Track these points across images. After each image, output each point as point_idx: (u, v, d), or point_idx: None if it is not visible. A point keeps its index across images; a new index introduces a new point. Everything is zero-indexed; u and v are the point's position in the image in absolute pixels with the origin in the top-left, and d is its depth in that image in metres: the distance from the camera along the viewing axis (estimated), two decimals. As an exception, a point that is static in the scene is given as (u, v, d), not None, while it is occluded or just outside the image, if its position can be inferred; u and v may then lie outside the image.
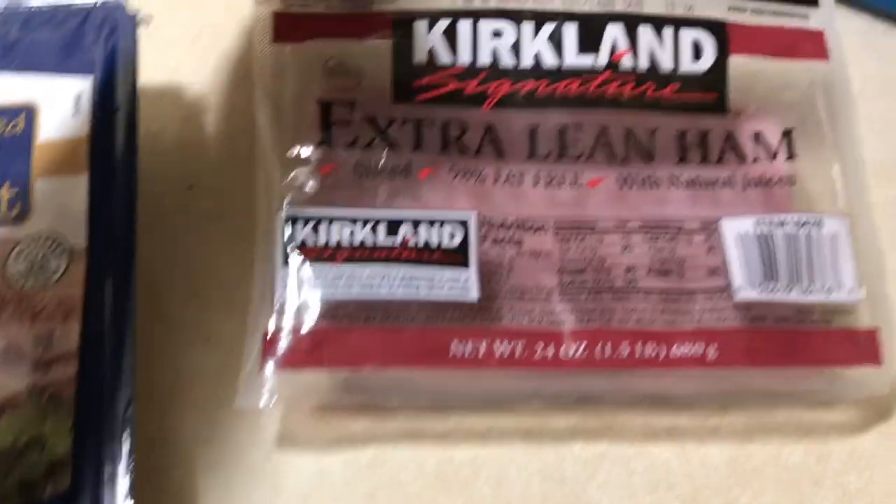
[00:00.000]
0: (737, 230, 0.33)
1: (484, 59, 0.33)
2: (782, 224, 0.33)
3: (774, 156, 0.35)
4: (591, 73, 0.34)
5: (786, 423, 0.33)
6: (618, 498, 0.32)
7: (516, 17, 0.34)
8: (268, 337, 0.30)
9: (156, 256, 0.35)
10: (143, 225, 0.35)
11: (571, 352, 0.31)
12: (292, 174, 0.32)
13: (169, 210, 0.36)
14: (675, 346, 0.31)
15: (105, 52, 0.33)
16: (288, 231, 0.31)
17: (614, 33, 0.34)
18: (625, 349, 0.31)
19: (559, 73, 0.34)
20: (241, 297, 0.33)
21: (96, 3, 0.34)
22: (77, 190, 0.30)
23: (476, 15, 0.34)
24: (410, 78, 0.33)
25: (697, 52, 0.34)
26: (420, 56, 0.33)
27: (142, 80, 0.38)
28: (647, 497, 0.32)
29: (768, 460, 0.33)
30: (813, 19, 0.36)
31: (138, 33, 0.34)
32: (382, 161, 0.33)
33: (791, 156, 0.34)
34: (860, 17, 0.44)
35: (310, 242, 0.31)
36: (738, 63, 0.35)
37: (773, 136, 0.35)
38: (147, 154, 0.36)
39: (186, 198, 0.36)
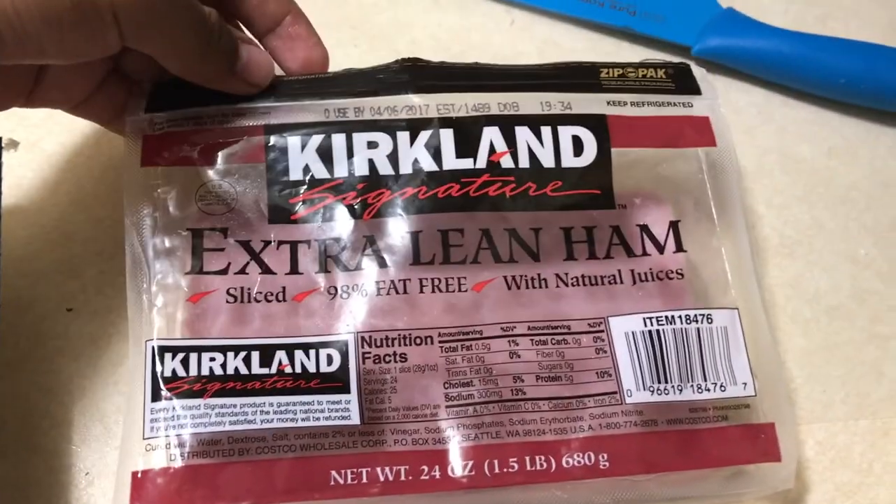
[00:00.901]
0: (625, 329, 0.32)
1: (361, 170, 0.33)
2: (671, 320, 0.32)
3: (663, 248, 0.34)
4: (471, 175, 0.33)
5: None
6: None
7: (390, 127, 0.33)
8: (137, 476, 0.29)
9: (33, 386, 0.34)
10: (20, 352, 0.34)
11: (459, 471, 0.30)
12: (161, 302, 0.31)
13: (48, 335, 0.35)
14: (565, 458, 0.30)
15: (-33, 182, 0.32)
16: (157, 364, 0.30)
17: (491, 136, 0.33)
18: (514, 464, 0.30)
19: (438, 178, 0.33)
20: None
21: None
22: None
23: (349, 128, 0.33)
24: (286, 197, 0.32)
25: (579, 148, 0.34)
26: (295, 174, 0.32)
27: (15, 200, 0.37)
28: None
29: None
30: (697, 107, 0.36)
31: (3, 160, 0.33)
32: (256, 286, 0.32)
33: (679, 247, 0.34)
34: (757, 89, 0.44)
35: (179, 375, 0.30)
36: (622, 156, 0.34)
37: (660, 228, 0.34)
38: (23, 278, 0.36)
39: (66, 322, 0.35)
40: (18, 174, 0.37)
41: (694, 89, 0.36)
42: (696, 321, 0.32)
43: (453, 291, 0.32)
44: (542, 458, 0.30)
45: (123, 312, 0.33)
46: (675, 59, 0.37)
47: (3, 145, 0.33)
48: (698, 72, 0.36)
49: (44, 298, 0.35)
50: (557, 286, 0.33)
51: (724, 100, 0.43)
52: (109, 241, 0.36)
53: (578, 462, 0.30)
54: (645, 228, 0.34)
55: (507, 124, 0.33)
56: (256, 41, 0.34)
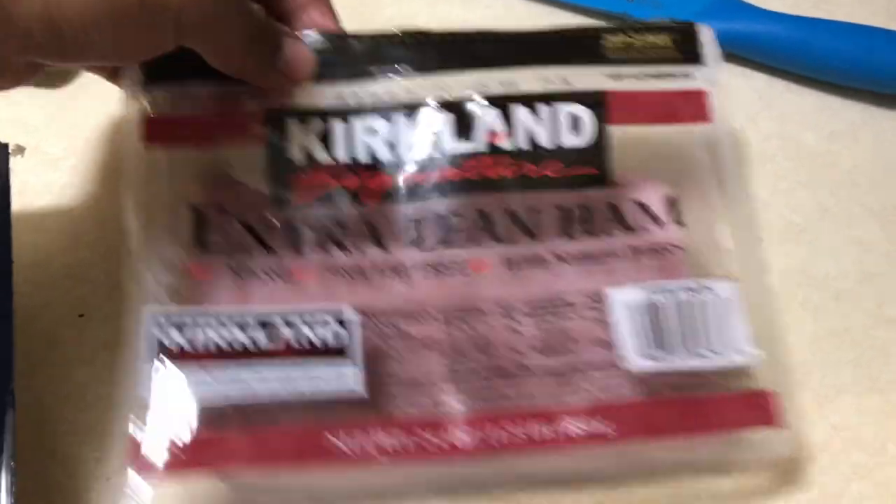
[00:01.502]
0: (625, 301, 0.32)
1: (361, 154, 0.33)
2: (671, 291, 0.32)
3: (661, 223, 0.34)
4: (470, 157, 0.33)
5: (693, 491, 0.33)
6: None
7: (388, 111, 0.33)
8: (139, 446, 0.29)
9: (49, 393, 0.33)
10: (34, 359, 0.34)
11: (463, 440, 0.30)
12: (162, 278, 0.31)
13: (61, 341, 0.34)
14: (569, 425, 0.31)
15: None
16: (158, 334, 0.30)
17: (489, 117, 0.33)
18: (518, 432, 0.30)
19: (437, 162, 0.33)
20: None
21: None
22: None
23: (347, 113, 0.33)
24: (287, 181, 0.33)
25: (576, 127, 0.34)
26: (296, 158, 0.33)
27: (20, 206, 0.36)
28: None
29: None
30: (699, 77, 0.35)
31: (10, 165, 0.32)
32: (259, 267, 0.32)
33: (678, 222, 0.34)
34: (758, 75, 0.44)
35: (181, 345, 0.30)
36: (619, 134, 0.34)
37: (657, 204, 0.34)
38: (33, 285, 0.35)
39: (78, 327, 0.35)
40: (22, 179, 0.37)
41: (697, 57, 0.36)
42: (697, 292, 0.33)
43: (453, 274, 0.33)
44: (546, 426, 0.30)
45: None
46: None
47: (10, 151, 0.32)
48: (705, 33, 0.36)
49: (55, 304, 0.35)
50: (556, 263, 0.33)
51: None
52: (116, 243, 0.36)
53: (582, 430, 0.30)
54: (643, 205, 0.34)
55: (505, 104, 0.34)
56: (299, 35, 0.33)
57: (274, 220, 0.32)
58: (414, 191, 0.33)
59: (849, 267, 0.39)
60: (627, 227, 0.34)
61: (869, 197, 0.41)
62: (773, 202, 0.41)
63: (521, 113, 0.34)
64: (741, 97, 0.43)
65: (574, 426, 0.30)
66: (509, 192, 0.33)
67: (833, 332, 0.37)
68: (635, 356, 0.31)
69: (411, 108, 0.33)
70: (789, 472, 0.33)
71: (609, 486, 0.32)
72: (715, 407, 0.31)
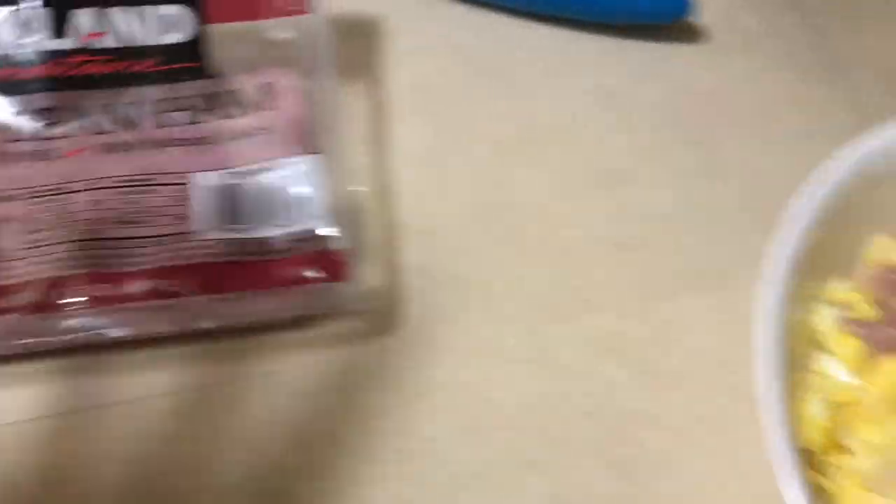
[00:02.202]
0: (204, 184, 0.34)
1: None
2: (250, 173, 0.34)
3: (252, 109, 0.36)
4: (66, 55, 0.35)
5: (281, 341, 0.33)
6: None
7: None
8: None
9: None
10: None
11: (26, 300, 0.31)
12: None
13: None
14: (132, 285, 0.32)
15: None
16: None
17: (82, 18, 0.35)
18: (83, 293, 0.31)
19: (36, 58, 0.35)
20: None
21: None
22: None
23: None
24: None
25: (174, 25, 0.36)
26: None
27: None
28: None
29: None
30: None
31: None
32: None
33: (270, 107, 0.36)
34: (541, 27, 0.43)
35: None
36: (219, 28, 0.36)
37: (251, 91, 0.36)
38: None
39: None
40: None
41: None
42: (275, 170, 0.34)
43: (46, 157, 0.34)
44: (110, 285, 0.32)
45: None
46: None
47: None
48: None
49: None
50: (151, 148, 0.35)
51: (511, 46, 0.43)
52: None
53: (145, 288, 0.32)
54: (237, 93, 0.36)
55: (100, 7, 0.36)
56: None
57: None
58: (11, 86, 0.35)
59: (678, 198, 0.36)
60: (221, 115, 0.36)
61: (678, 129, 0.41)
62: (592, 151, 0.39)
63: (116, 14, 0.36)
64: (535, 59, 0.42)
65: (137, 286, 0.32)
66: (106, 88, 0.35)
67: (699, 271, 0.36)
68: (207, 229, 0.33)
69: (8, 3, 0.35)
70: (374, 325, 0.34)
71: (199, 343, 0.33)
72: (284, 266, 0.33)
